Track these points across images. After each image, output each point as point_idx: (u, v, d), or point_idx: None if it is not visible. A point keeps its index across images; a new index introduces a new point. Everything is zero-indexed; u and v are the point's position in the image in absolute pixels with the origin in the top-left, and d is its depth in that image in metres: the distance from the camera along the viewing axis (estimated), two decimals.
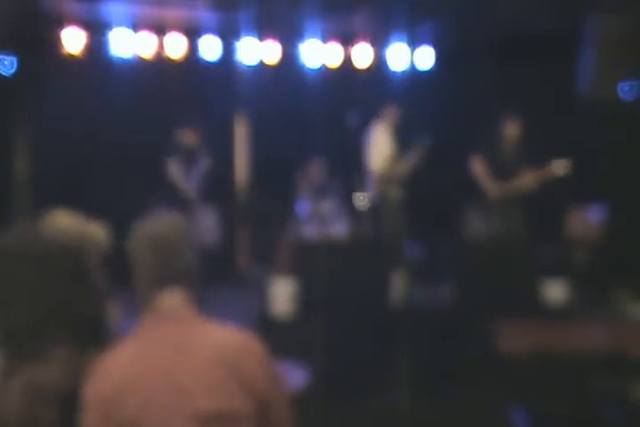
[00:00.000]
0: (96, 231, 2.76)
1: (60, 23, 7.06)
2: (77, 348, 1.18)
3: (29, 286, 1.15)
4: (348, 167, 7.30)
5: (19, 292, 1.14)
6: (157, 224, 2.17)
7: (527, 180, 6.65)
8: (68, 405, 1.23)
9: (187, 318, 2.07)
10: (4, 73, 7.14)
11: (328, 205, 7.37)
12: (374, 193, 7.08)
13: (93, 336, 1.20)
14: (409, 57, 7.95)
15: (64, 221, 2.70)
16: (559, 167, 6.53)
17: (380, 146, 7.04)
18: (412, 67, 8.01)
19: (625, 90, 6.21)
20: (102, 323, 1.20)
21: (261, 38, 7.58)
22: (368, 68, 7.94)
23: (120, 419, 1.88)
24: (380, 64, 7.96)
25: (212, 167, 7.48)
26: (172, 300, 2.08)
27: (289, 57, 7.72)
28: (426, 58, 7.99)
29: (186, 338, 2.02)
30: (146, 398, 1.91)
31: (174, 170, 7.30)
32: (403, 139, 7.14)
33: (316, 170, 7.63)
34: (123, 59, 7.34)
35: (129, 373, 1.94)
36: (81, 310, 1.18)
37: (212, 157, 7.51)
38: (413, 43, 7.90)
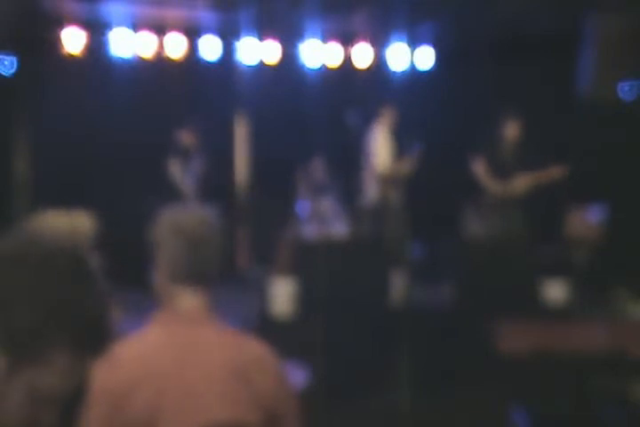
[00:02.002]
0: (80, 220, 2.74)
1: (60, 23, 7.06)
2: (79, 349, 1.17)
3: (29, 287, 1.14)
4: (348, 167, 7.30)
5: (18, 293, 1.14)
6: (192, 216, 2.03)
7: (525, 182, 6.65)
8: (68, 407, 1.22)
9: (204, 322, 2.00)
10: (4, 73, 7.14)
11: (328, 205, 7.37)
12: (375, 194, 7.07)
13: (95, 338, 1.19)
14: (409, 57, 7.95)
15: (48, 221, 2.69)
16: (556, 172, 6.53)
17: (379, 147, 7.03)
18: (412, 67, 8.01)
19: (625, 90, 6.22)
20: (104, 324, 1.20)
21: (261, 38, 7.58)
22: (368, 68, 7.93)
23: (129, 415, 1.84)
24: (380, 64, 7.96)
25: (206, 167, 7.50)
26: (193, 301, 1.98)
27: (289, 57, 7.72)
28: (426, 58, 7.98)
29: (201, 342, 1.96)
30: (157, 396, 1.86)
31: (175, 170, 7.32)
32: (399, 141, 7.13)
33: (317, 170, 7.63)
34: (123, 59, 7.34)
35: (141, 369, 1.90)
36: (82, 311, 1.17)
37: (207, 157, 7.51)
38: (413, 43, 7.90)
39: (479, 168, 6.74)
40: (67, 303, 1.11)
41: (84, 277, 1.15)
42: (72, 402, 1.20)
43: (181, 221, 2.00)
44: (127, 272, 3.76)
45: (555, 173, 6.53)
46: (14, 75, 7.19)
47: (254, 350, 2.01)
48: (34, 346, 1.08)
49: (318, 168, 7.63)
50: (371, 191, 7.12)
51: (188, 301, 1.99)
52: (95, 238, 2.73)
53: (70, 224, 2.68)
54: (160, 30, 7.34)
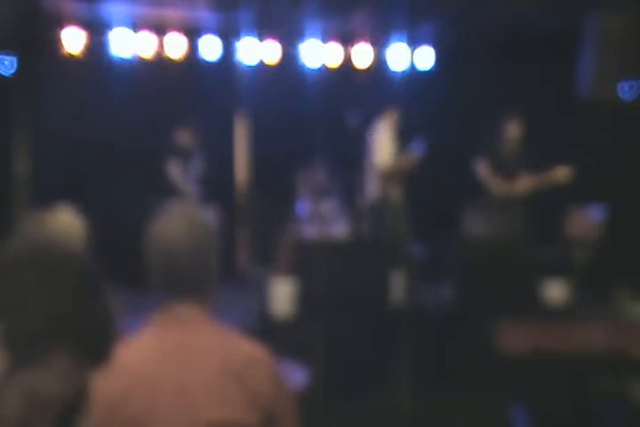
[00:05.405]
0: (70, 221, 2.72)
1: (60, 23, 7.06)
2: (79, 355, 1.17)
3: (32, 290, 1.14)
4: (349, 167, 7.29)
5: (23, 296, 1.14)
6: (170, 229, 1.98)
7: (528, 183, 6.65)
8: (66, 414, 1.22)
9: (198, 325, 2.00)
10: (4, 73, 7.14)
11: (328, 206, 7.36)
12: (376, 192, 7.05)
13: (98, 345, 1.19)
14: (409, 57, 7.95)
15: (38, 221, 2.66)
16: (561, 174, 6.53)
17: (382, 145, 7.00)
18: (412, 67, 8.01)
19: (625, 90, 6.21)
20: (108, 332, 1.19)
21: (261, 38, 7.58)
22: (368, 68, 7.93)
23: (124, 418, 1.86)
24: (379, 64, 7.96)
25: (206, 167, 7.49)
26: (183, 309, 1.98)
27: (289, 57, 7.72)
28: (426, 58, 7.98)
29: (194, 345, 1.97)
30: (151, 399, 1.88)
31: (174, 170, 7.32)
32: (402, 143, 7.10)
33: (318, 172, 7.61)
34: (123, 59, 7.34)
35: (137, 373, 1.91)
36: (85, 317, 1.17)
37: (207, 156, 7.51)
38: (413, 43, 7.90)
39: (481, 168, 6.74)
40: (70, 309, 1.11)
41: (93, 285, 1.15)
42: (70, 408, 1.19)
43: (161, 237, 1.98)
44: (127, 272, 3.76)
45: (561, 175, 6.52)
46: (14, 75, 7.19)
47: (249, 351, 2.00)
48: (34, 348, 1.07)
49: (320, 170, 7.62)
50: (372, 189, 7.09)
51: (179, 309, 1.99)
52: (88, 237, 2.71)
53: (62, 224, 2.65)
54: (160, 30, 7.34)
